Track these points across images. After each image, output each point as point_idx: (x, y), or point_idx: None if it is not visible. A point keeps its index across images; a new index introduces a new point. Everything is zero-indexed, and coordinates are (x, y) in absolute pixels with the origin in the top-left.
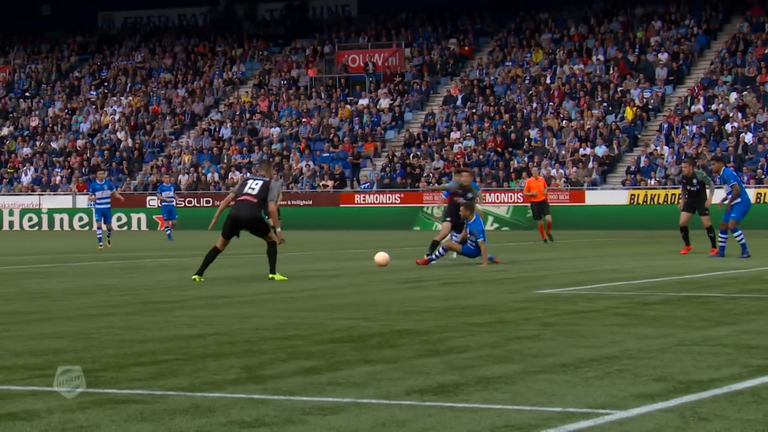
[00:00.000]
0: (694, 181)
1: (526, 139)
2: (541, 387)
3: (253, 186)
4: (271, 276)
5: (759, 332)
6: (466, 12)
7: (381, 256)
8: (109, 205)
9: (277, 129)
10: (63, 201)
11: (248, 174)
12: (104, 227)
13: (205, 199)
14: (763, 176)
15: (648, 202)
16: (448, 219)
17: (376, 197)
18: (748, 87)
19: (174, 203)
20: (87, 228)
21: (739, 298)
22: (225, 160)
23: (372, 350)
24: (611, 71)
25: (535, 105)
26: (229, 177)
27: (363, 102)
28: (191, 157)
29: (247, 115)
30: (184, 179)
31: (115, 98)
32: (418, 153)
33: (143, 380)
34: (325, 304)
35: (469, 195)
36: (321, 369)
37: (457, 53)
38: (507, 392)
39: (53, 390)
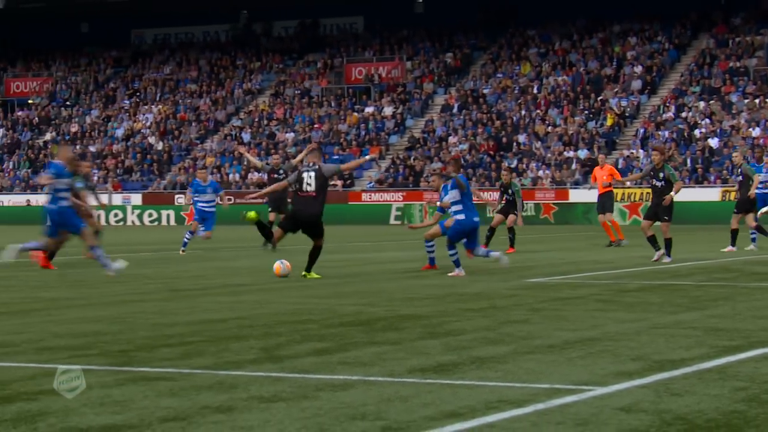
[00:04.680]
0: (661, 175)
1: (515, 143)
2: (530, 366)
3: (309, 181)
4: (305, 274)
5: (724, 316)
6: (461, 29)
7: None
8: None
9: (292, 134)
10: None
11: (303, 165)
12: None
13: (227, 197)
14: (728, 177)
15: (626, 200)
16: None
17: (381, 195)
18: (714, 96)
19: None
20: (121, 223)
21: (707, 286)
22: (245, 162)
23: (377, 333)
24: (591, 82)
25: (523, 112)
26: (248, 177)
27: (369, 110)
28: (215, 159)
29: (265, 122)
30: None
31: (146, 106)
32: (418, 156)
33: (172, 360)
34: (335, 291)
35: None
36: (332, 350)
37: (452, 66)
38: (499, 371)
39: (88, 369)
